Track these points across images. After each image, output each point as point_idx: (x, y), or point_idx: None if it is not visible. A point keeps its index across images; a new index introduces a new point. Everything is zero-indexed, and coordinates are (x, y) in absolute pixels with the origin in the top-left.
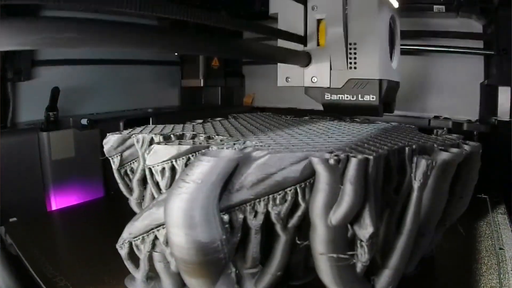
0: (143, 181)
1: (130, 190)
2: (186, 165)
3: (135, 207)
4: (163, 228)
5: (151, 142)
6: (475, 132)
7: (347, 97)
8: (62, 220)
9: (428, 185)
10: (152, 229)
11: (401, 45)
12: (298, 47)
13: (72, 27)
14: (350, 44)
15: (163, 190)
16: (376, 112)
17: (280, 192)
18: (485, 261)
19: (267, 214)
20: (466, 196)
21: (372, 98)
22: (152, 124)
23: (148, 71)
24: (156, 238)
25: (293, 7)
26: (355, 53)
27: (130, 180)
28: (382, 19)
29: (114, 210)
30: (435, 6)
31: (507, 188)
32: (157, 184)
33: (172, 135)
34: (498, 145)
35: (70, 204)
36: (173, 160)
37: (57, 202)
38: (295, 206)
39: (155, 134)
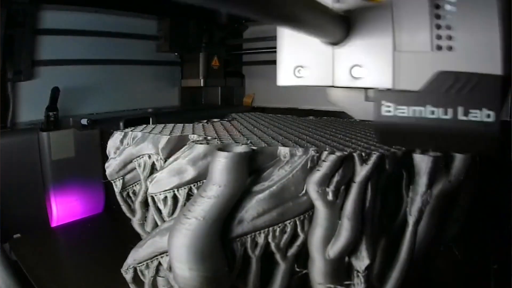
0: (145, 203)
1: (133, 211)
2: (188, 195)
3: (137, 228)
4: (167, 255)
5: (153, 166)
6: None
7: (432, 111)
8: (67, 236)
9: (424, 217)
10: (156, 256)
11: None
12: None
13: None
14: (438, 3)
15: (166, 218)
16: (493, 145)
17: (279, 225)
18: (478, 281)
19: (267, 244)
20: (461, 219)
21: (488, 114)
22: (152, 124)
23: (148, 71)
24: (160, 264)
25: None
26: (449, 18)
27: (132, 201)
28: None
29: (118, 224)
30: None
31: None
32: (159, 211)
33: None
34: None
35: (70, 203)
36: (175, 190)
37: (57, 202)
38: (294, 236)
39: (158, 159)
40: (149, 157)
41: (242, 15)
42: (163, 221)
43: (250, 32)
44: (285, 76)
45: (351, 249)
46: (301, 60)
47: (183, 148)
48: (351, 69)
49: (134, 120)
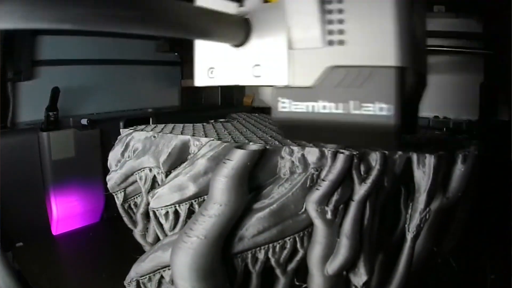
0: (147, 215)
1: (134, 222)
2: (189, 210)
3: (139, 239)
4: (169, 269)
5: (154, 179)
6: (474, 132)
7: (325, 106)
8: (69, 244)
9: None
10: (158, 269)
11: None
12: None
13: None
14: None
15: (168, 232)
16: (391, 139)
17: (279, 241)
18: None
19: (267, 259)
20: (458, 232)
21: (384, 108)
22: (152, 124)
23: (148, 71)
24: (162, 277)
25: None
26: (341, 13)
27: (134, 213)
28: None
29: (118, 223)
30: (435, 6)
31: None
32: (161, 225)
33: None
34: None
35: (70, 203)
36: (176, 205)
37: (58, 201)
38: (294, 251)
39: (159, 172)
40: (150, 170)
41: (140, 33)
42: (165, 235)
43: None
44: (200, 77)
45: (349, 265)
46: (212, 62)
47: (184, 164)
48: (252, 68)
49: (134, 120)
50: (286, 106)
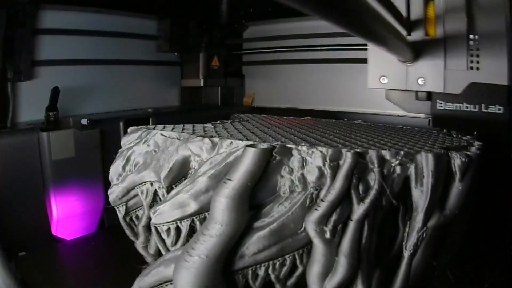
0: (148, 227)
1: (136, 234)
2: (190, 226)
3: (141, 250)
4: (171, 283)
5: (155, 193)
6: (475, 132)
7: (466, 106)
8: (73, 252)
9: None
10: (161, 284)
11: None
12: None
13: None
14: (472, 38)
15: (170, 248)
16: (503, 128)
17: (279, 259)
18: None
19: (267, 275)
20: (456, 245)
21: (499, 109)
22: (152, 124)
23: (148, 71)
24: None
25: None
26: (477, 50)
27: (135, 225)
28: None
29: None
30: None
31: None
32: (163, 240)
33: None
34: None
35: (70, 203)
36: (178, 222)
37: (57, 201)
38: (293, 267)
39: (160, 186)
40: (151, 184)
41: (345, 30)
42: (167, 250)
43: (250, 32)
44: (373, 82)
45: (347, 283)
46: (384, 71)
47: (186, 181)
48: (418, 79)
49: (134, 120)
50: (442, 105)
